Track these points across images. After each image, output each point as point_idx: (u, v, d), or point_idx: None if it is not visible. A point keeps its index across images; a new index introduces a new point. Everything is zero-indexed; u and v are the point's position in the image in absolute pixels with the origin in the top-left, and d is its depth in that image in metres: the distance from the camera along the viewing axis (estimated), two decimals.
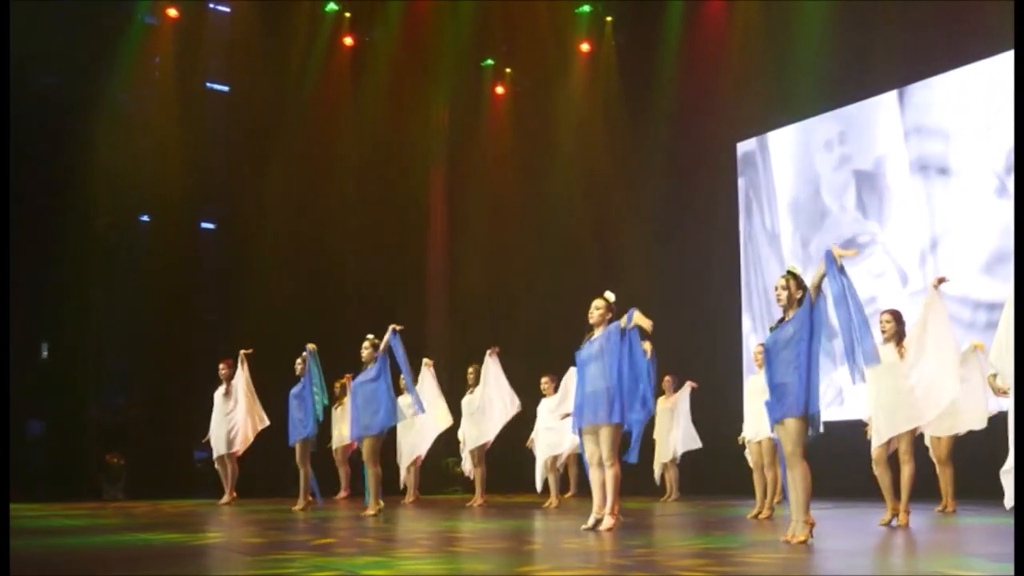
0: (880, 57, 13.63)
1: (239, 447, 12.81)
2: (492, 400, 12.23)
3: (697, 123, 15.94)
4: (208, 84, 16.90)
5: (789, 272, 6.74)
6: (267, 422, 12.76)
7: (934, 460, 9.79)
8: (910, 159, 13.38)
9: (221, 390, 12.89)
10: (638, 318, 7.71)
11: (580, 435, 8.12)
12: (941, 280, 8.31)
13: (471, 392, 12.46)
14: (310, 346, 11.55)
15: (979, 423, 9.21)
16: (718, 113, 15.70)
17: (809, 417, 6.40)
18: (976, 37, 12.46)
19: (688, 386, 12.80)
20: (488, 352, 12.19)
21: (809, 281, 6.59)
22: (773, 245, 15.06)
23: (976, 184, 12.50)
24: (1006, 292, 6.71)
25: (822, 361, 6.49)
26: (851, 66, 13.99)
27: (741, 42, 15.45)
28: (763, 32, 15.15)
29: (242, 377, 12.74)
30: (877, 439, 8.26)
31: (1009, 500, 5.67)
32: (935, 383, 8.06)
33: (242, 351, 12.72)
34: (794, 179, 14.97)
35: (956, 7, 12.59)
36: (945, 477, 9.71)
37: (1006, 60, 12.16)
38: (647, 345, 8.08)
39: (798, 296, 6.61)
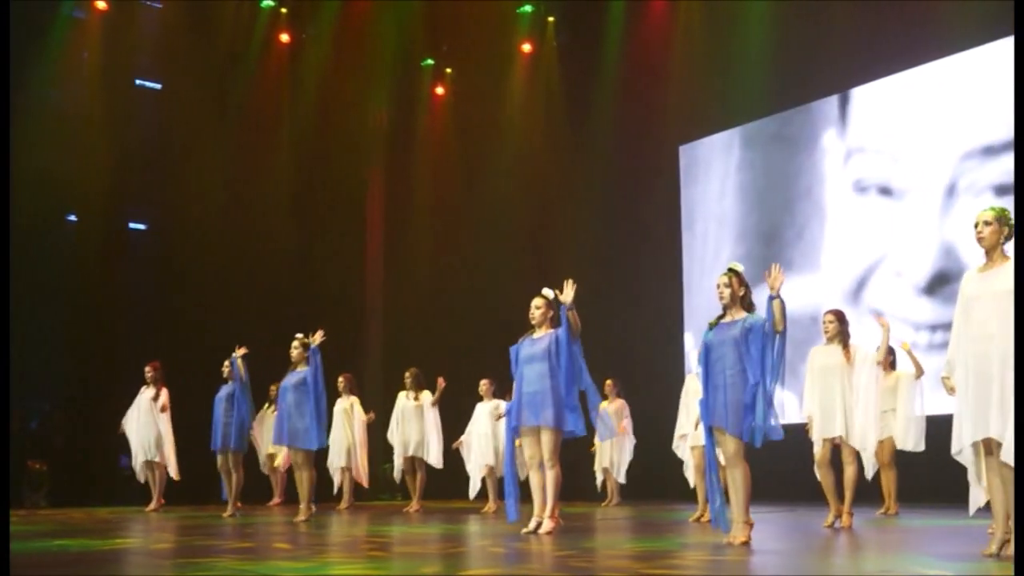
0: (824, 60, 13.56)
1: (169, 466, 12.30)
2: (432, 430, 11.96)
3: (639, 124, 15.80)
4: (138, 81, 16.43)
5: (731, 269, 6.54)
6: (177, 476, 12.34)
7: (877, 463, 9.72)
8: (852, 179, 13.33)
9: (149, 393, 12.33)
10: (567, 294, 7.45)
11: (514, 433, 7.81)
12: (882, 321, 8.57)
13: (407, 396, 12.10)
14: (239, 350, 11.16)
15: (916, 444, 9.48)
16: (661, 114, 15.56)
17: (750, 433, 6.22)
18: (926, 39, 12.46)
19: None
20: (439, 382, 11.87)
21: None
22: (717, 258, 14.89)
23: (918, 203, 12.48)
24: (948, 312, 6.72)
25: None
26: (794, 68, 13.92)
27: (684, 42, 15.35)
28: (706, 32, 15.06)
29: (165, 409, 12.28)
30: (817, 439, 8.22)
31: (973, 508, 5.54)
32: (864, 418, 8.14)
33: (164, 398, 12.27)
34: (736, 193, 14.85)
35: (904, 8, 12.56)
36: (888, 479, 9.66)
37: (953, 63, 12.22)
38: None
39: (741, 294, 6.45)
